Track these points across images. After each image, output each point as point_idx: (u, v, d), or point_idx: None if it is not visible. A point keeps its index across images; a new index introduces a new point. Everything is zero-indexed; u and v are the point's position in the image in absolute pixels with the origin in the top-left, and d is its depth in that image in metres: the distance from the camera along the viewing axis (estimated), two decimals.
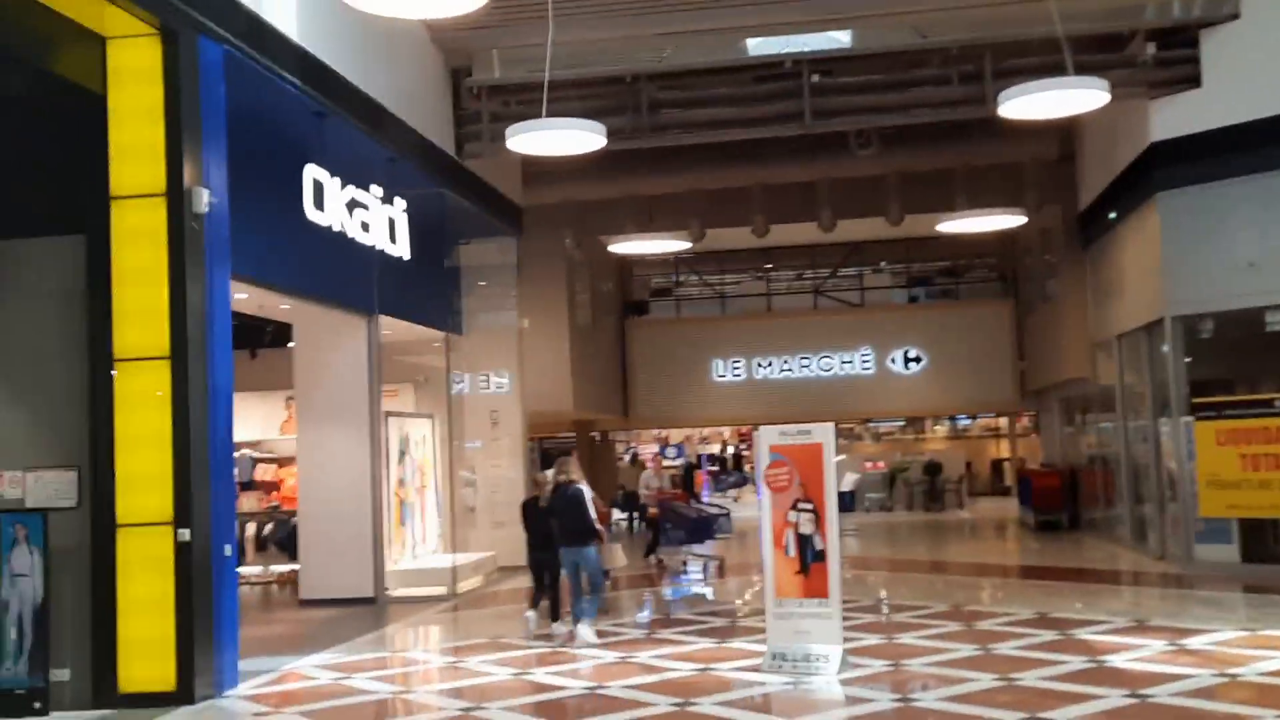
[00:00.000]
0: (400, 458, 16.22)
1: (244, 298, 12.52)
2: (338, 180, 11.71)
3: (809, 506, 8.82)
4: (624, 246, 18.14)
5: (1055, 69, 12.07)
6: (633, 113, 15.22)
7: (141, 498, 8.38)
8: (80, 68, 8.47)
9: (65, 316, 8.65)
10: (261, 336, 18.26)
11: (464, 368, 18.51)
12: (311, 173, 11.12)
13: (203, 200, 8.48)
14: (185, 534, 8.40)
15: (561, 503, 11.00)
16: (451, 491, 17.85)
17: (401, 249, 13.79)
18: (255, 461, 19.81)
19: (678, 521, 16.43)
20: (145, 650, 8.34)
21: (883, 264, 29.30)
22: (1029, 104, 11.16)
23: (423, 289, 16.09)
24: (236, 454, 19.43)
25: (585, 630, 10.66)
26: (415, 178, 13.88)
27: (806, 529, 8.81)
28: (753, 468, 39.74)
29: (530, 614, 11.50)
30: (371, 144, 12.47)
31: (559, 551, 11.09)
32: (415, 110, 13.70)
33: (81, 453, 8.56)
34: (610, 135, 14.91)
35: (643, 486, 22.19)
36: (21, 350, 8.76)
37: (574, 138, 11.38)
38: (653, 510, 17.08)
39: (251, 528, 18.69)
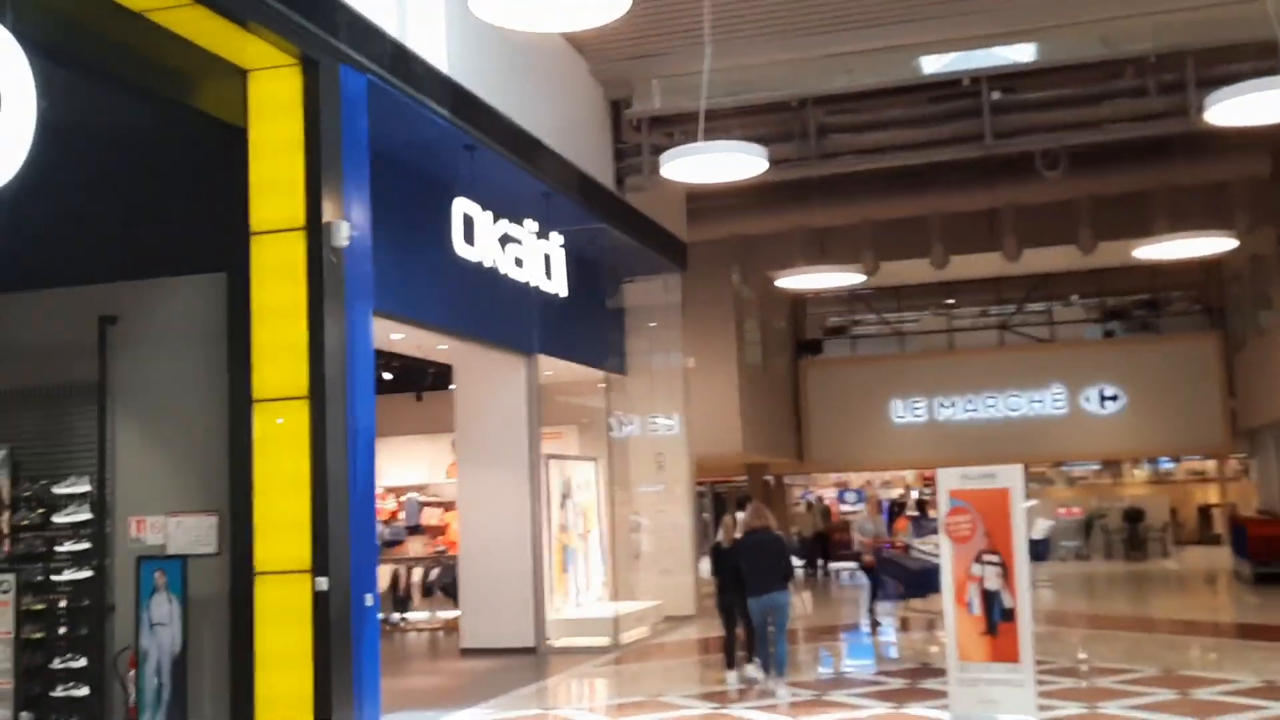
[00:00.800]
0: (562, 502, 15.80)
1: (400, 337, 12.43)
2: (489, 214, 11.38)
3: (995, 559, 7.91)
4: (793, 281, 17.42)
5: (1268, 75, 10.83)
6: (799, 139, 14.54)
7: (279, 544, 8.07)
8: (222, 101, 8.33)
9: (207, 356, 8.47)
10: (424, 378, 18.21)
11: (627, 409, 18.04)
12: (461, 206, 10.82)
13: (343, 234, 8.19)
14: (323, 582, 8.04)
15: (755, 548, 10.65)
16: (614, 537, 17.35)
17: (559, 286, 13.39)
18: (422, 505, 19.76)
19: (897, 573, 15.42)
20: (283, 704, 7.99)
21: (1073, 298, 27.64)
22: (1241, 108, 10.01)
23: (583, 328, 15.71)
24: (403, 497, 19.59)
25: (782, 689, 10.11)
26: (573, 212, 13.52)
27: (993, 584, 7.90)
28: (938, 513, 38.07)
29: (731, 674, 10.89)
30: (525, 177, 12.12)
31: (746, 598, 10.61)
32: (571, 142, 13.34)
33: (222, 497, 8.33)
34: (776, 163, 14.26)
35: (857, 532, 21.05)
36: (164, 391, 8.62)
37: (732, 162, 10.76)
38: (868, 559, 16.01)
39: (418, 573, 18.59)
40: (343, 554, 8.18)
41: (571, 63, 13.86)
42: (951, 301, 27.77)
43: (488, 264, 11.36)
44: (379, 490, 19.07)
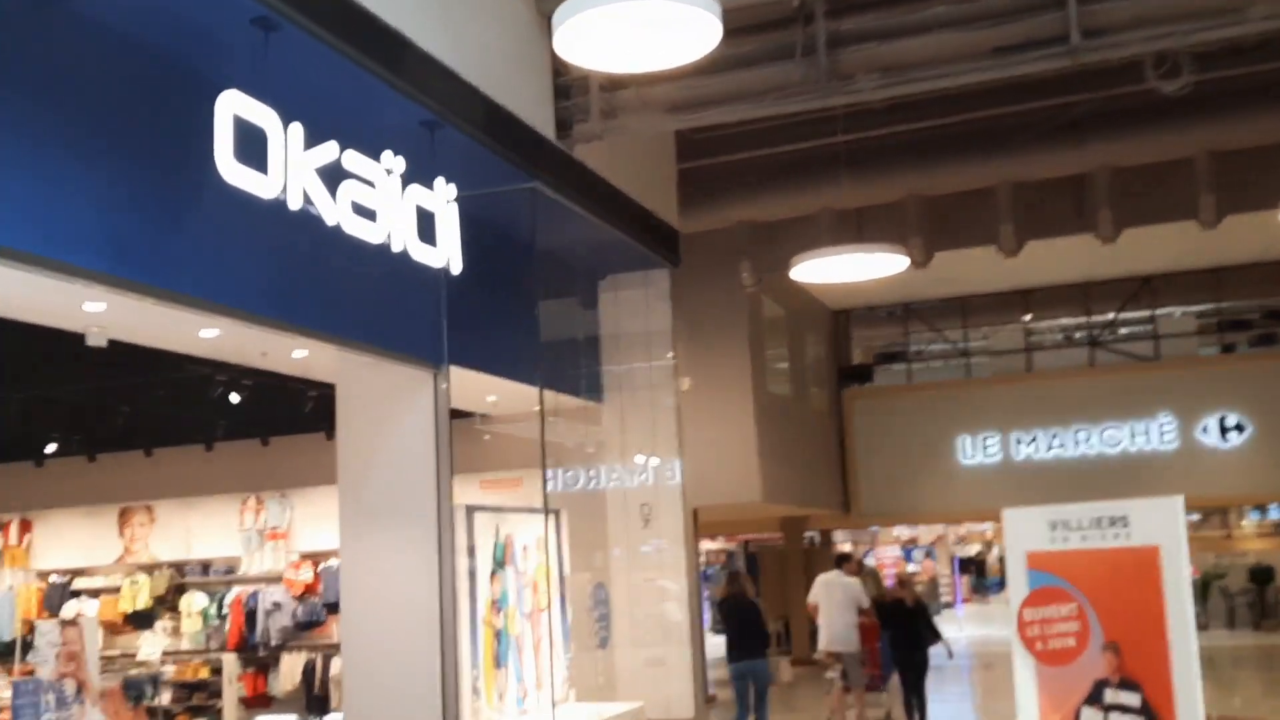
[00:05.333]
0: (497, 570, 11.96)
1: (213, 334, 8.71)
2: (299, 129, 7.72)
3: (1132, 697, 4.00)
4: (816, 270, 13.58)
5: None
6: (802, 57, 10.76)
7: None
8: None
9: None
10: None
11: (601, 447, 14.28)
12: (231, 105, 7.12)
13: None
14: None
15: (734, 614, 11.40)
16: (579, 616, 13.47)
17: (452, 258, 9.74)
18: None
19: None
20: None
21: (1176, 311, 23.42)
22: None
23: (529, 337, 12.03)
24: (321, 565, 15.79)
25: None
26: (484, 160, 9.92)
27: None
28: None
29: None
30: (383, 92, 8.52)
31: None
32: (475, 58, 9.85)
33: None
34: (770, 93, 10.60)
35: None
36: None
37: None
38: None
39: (339, 664, 14.85)
40: None
41: None
42: (1028, 317, 23.74)
43: (296, 206, 7.64)
44: (292, 558, 15.63)
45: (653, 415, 14.67)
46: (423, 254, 9.31)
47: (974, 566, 39.30)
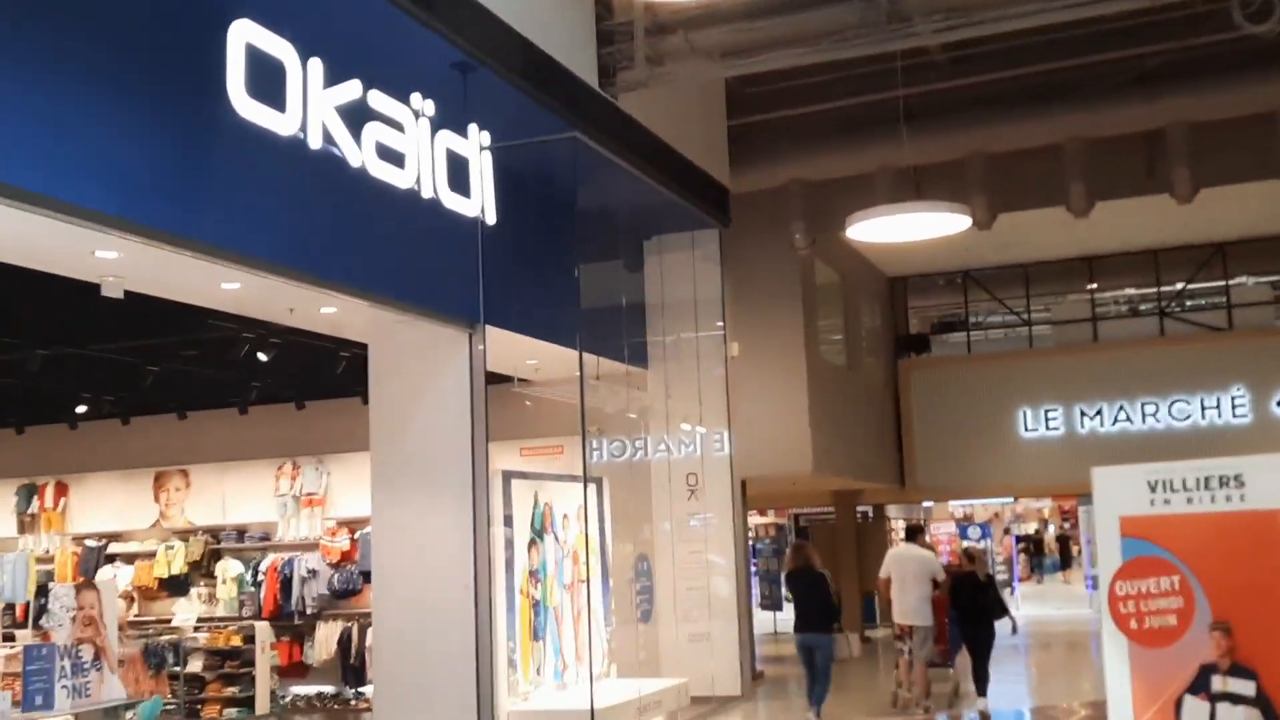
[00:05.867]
0: (536, 539, 11.53)
1: (234, 288, 8.30)
2: (318, 65, 7.27)
3: (1246, 686, 3.45)
4: (870, 230, 12.97)
5: None
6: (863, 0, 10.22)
7: None
8: None
9: None
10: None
11: (646, 415, 13.79)
12: (244, 35, 6.67)
13: None
14: None
15: (800, 586, 11.52)
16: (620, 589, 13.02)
17: (487, 208, 9.30)
18: None
19: None
20: None
21: (1250, 280, 22.45)
22: None
23: (560, 295, 11.57)
24: (359, 533, 15.40)
25: None
26: (520, 106, 9.48)
27: None
28: (1080, 551, 32.93)
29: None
30: (412, 29, 8.07)
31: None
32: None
33: None
34: (826, 37, 10.10)
35: None
36: None
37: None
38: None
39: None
40: None
41: None
42: (1094, 286, 22.88)
43: (317, 145, 7.22)
44: (329, 525, 15.29)
45: (700, 383, 14.16)
46: (455, 203, 8.88)
47: (1031, 545, 38.44)
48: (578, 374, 12.60)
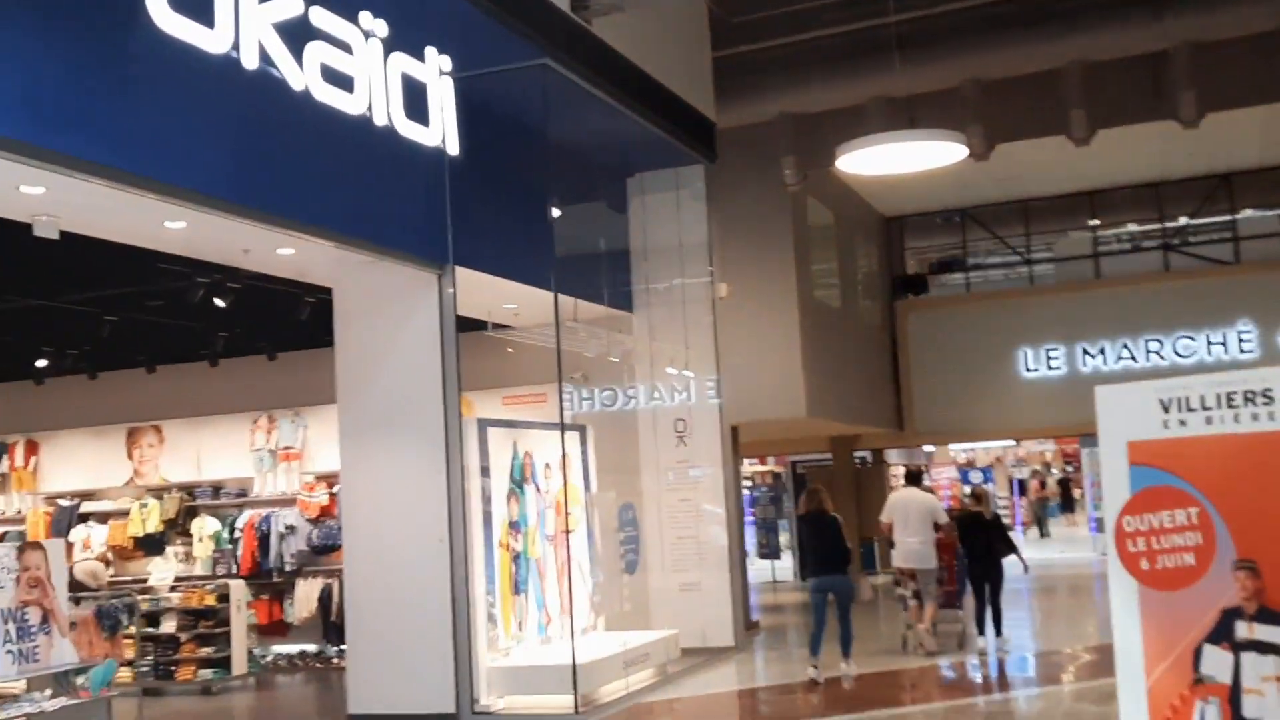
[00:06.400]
0: (515, 490, 11.09)
1: (179, 226, 7.77)
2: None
3: (1275, 633, 2.98)
4: (862, 162, 12.43)
5: None
6: None
7: None
8: None
9: None
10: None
11: (631, 360, 13.33)
12: None
13: None
14: None
15: (812, 530, 11.29)
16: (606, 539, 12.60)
17: (455, 146, 8.77)
18: None
19: None
20: None
21: (1257, 213, 21.88)
22: None
23: (535, 234, 11.07)
24: (338, 487, 15.03)
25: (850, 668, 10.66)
26: (483, 30, 8.91)
27: (1274, 696, 2.97)
28: (1083, 494, 32.54)
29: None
30: None
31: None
32: None
33: None
34: None
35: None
36: None
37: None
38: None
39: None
40: None
41: None
42: (1095, 222, 22.33)
43: (253, 65, 6.67)
44: (307, 479, 14.87)
45: (688, 325, 13.68)
46: (412, 132, 8.35)
47: (1037, 488, 38.15)
48: (573, 323, 12.19)
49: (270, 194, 7.25)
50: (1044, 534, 32.40)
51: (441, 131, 8.51)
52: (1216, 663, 3.20)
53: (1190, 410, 3.23)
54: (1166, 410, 3.24)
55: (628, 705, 10.35)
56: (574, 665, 9.91)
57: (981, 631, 12.20)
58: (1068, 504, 37.71)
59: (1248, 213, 21.92)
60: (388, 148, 8.13)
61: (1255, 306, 20.20)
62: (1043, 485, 37.17)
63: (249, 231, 7.67)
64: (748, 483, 30.75)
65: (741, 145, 14.81)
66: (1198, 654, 3.24)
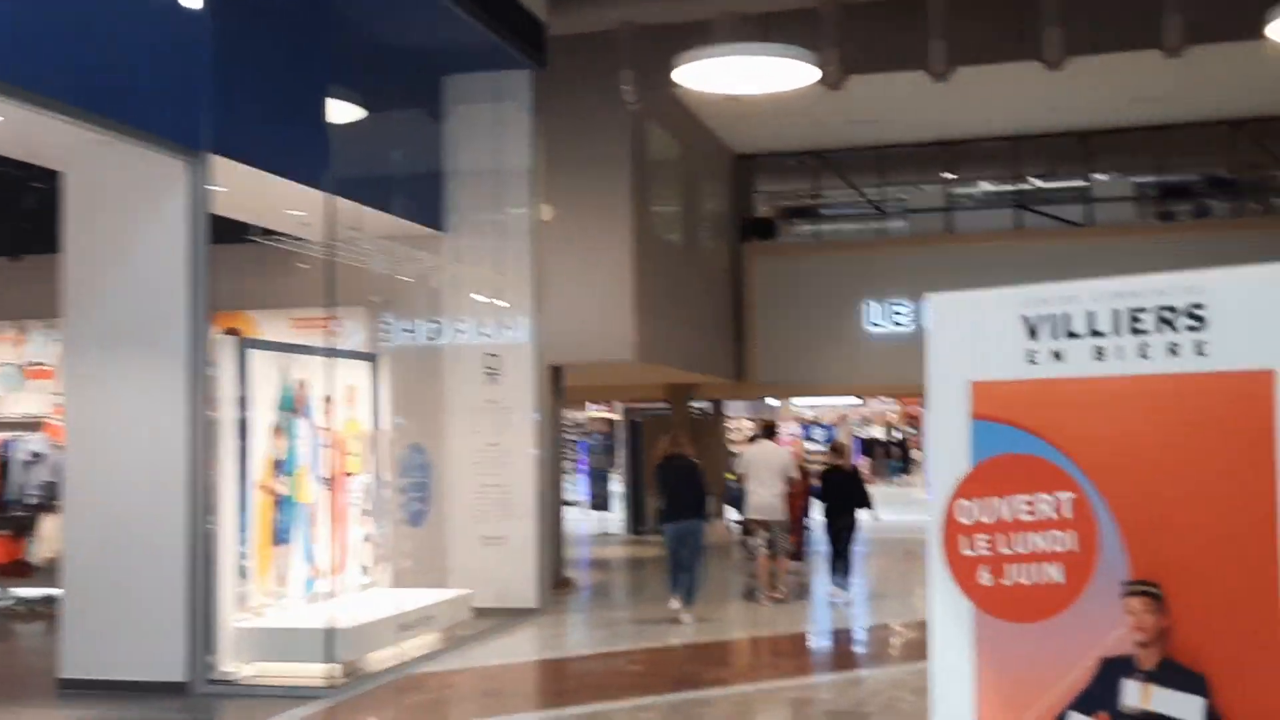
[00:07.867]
0: (281, 423, 9.63)
1: None
2: None
3: (1184, 702, 1.78)
4: (704, 75, 11.21)
5: None
6: None
7: None
8: None
9: None
10: None
11: (438, 285, 11.95)
12: None
13: None
14: None
15: (672, 475, 11.66)
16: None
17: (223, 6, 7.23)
18: None
19: None
20: None
21: (1112, 176, 21.44)
22: None
23: (318, 124, 9.59)
24: None
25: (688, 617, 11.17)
26: None
27: None
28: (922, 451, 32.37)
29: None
30: None
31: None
32: None
33: None
34: None
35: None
36: None
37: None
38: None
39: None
40: None
41: None
42: (952, 176, 21.65)
43: None
44: (59, 401, 13.14)
45: (504, 249, 12.36)
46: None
47: (879, 449, 38.03)
48: (357, 231, 10.75)
49: None
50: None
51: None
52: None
53: (1072, 336, 2.05)
54: (1034, 335, 2.06)
55: (398, 677, 9.07)
56: (330, 628, 8.58)
57: (832, 580, 12.94)
58: (905, 464, 37.64)
59: (1102, 177, 21.54)
60: None
61: (1107, 270, 19.56)
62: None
63: None
64: (581, 431, 29.63)
65: (577, 54, 13.46)
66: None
